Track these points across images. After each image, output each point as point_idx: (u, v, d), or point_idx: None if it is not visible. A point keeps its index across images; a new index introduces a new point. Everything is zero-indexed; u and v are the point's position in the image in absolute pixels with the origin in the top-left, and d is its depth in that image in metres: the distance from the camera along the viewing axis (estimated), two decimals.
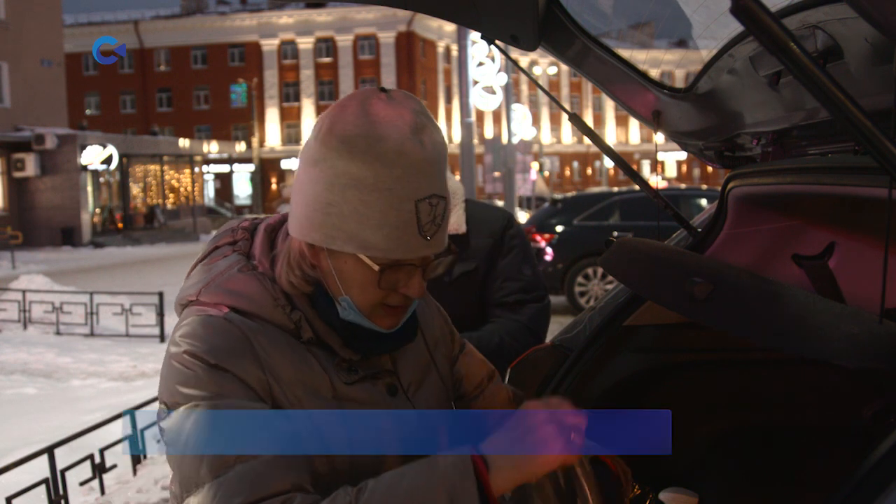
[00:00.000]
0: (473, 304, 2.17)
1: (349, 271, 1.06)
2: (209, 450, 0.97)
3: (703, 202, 11.01)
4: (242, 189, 50.92)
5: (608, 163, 46.17)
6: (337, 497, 0.96)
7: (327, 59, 50.48)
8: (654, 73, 1.78)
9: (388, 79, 49.45)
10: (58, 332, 9.60)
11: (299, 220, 1.07)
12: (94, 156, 26.65)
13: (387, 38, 49.71)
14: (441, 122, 52.75)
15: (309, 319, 1.10)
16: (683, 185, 26.25)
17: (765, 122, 1.60)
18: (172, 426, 1.01)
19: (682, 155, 53.62)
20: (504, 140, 21.91)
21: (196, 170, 35.24)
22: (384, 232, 1.02)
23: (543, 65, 54.60)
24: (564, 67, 36.12)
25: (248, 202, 50.01)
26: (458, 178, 2.24)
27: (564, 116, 2.00)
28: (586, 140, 1.93)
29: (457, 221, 2.17)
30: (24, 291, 10.12)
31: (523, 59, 47.16)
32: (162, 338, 8.93)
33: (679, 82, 1.79)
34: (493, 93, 22.24)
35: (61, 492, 3.84)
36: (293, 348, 1.08)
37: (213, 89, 51.07)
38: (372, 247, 1.02)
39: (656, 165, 4.58)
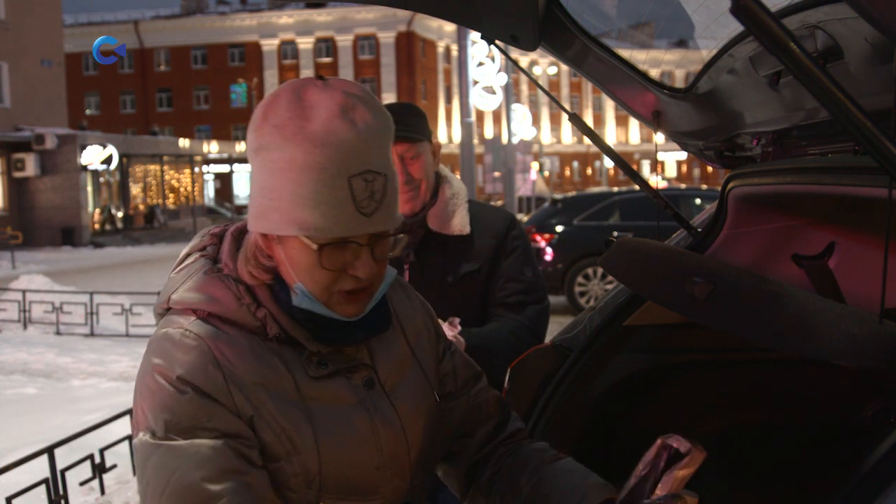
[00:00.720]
0: (476, 305, 2.17)
1: (296, 256, 1.07)
2: (166, 499, 0.99)
3: (703, 202, 11.01)
4: (242, 189, 50.91)
5: (608, 163, 46.17)
6: None
7: (327, 59, 50.49)
8: (654, 73, 1.77)
9: (388, 79, 49.46)
10: (58, 332, 9.60)
11: (251, 211, 1.10)
12: (94, 156, 26.65)
13: (387, 38, 49.72)
14: (441, 122, 52.79)
15: (274, 315, 1.10)
16: (683, 185, 26.25)
17: (765, 122, 1.60)
18: (138, 454, 1.04)
19: (682, 155, 53.62)
20: (504, 140, 21.91)
21: (196, 170, 35.24)
22: (320, 210, 1.03)
23: (543, 65, 54.60)
24: (564, 67, 36.11)
25: (248, 202, 49.94)
26: (458, 177, 2.23)
27: (564, 116, 1.99)
28: (586, 140, 1.93)
29: (461, 223, 2.17)
30: (24, 291, 10.12)
31: (523, 59, 47.16)
32: None
33: (679, 82, 1.79)
34: (493, 93, 22.25)
35: (61, 492, 3.84)
36: (257, 351, 1.08)
37: (213, 89, 51.08)
38: (310, 227, 1.03)
39: (656, 165, 4.59)
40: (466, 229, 2.16)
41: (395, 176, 1.08)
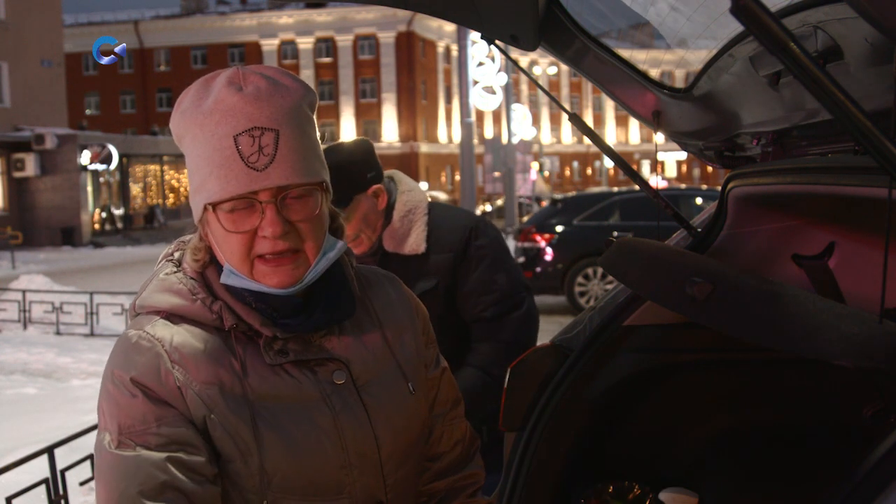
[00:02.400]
0: (437, 322, 2.11)
1: (213, 230, 1.09)
2: (113, 498, 1.02)
3: (703, 202, 11.01)
4: None
5: (608, 163, 46.17)
6: None
7: (327, 59, 50.49)
8: (654, 73, 1.77)
9: (388, 79, 49.44)
10: (58, 332, 9.59)
11: None
12: (87, 158, 26.60)
13: (387, 38, 49.71)
14: (441, 122, 52.78)
15: (229, 305, 1.11)
16: (683, 185, 26.25)
17: (765, 122, 1.60)
18: (96, 455, 1.07)
19: (682, 155, 53.64)
20: (504, 140, 21.92)
21: None
22: (215, 174, 1.05)
23: (543, 65, 54.60)
24: (564, 67, 36.13)
25: None
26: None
27: (564, 116, 1.99)
28: (586, 140, 1.93)
29: (415, 241, 2.06)
30: (24, 291, 10.11)
31: (523, 59, 47.15)
32: None
33: (679, 82, 1.79)
34: (493, 93, 22.25)
35: (61, 492, 3.84)
36: (214, 350, 1.09)
37: None
38: (211, 192, 1.06)
39: (656, 165, 4.59)
40: (421, 248, 2.06)
41: (295, 130, 1.07)
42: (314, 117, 1.14)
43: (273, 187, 1.04)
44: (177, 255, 1.20)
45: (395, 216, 2.08)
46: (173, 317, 1.11)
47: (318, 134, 1.15)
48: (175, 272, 1.15)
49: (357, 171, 2.04)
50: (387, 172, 2.17)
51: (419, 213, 2.10)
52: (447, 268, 2.07)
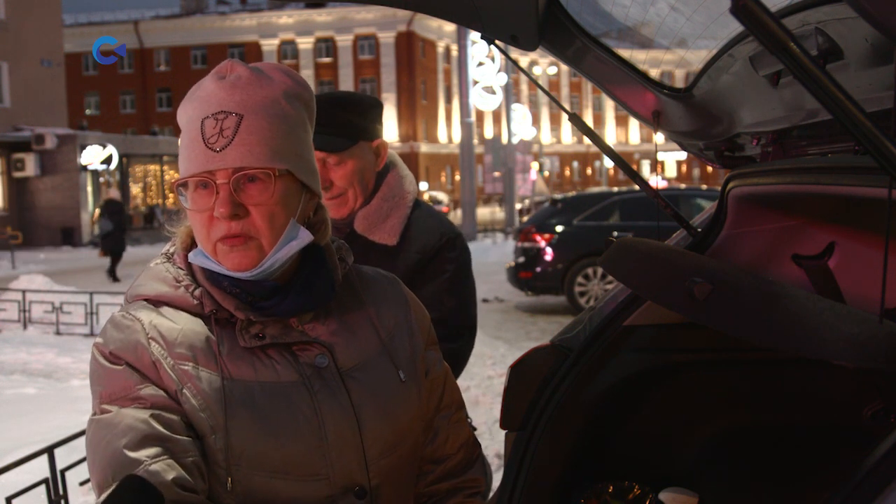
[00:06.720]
0: None
1: (188, 212, 1.14)
2: (97, 469, 1.04)
3: (703, 202, 11.01)
4: None
5: (608, 163, 46.18)
6: None
7: (327, 59, 50.50)
8: (654, 73, 1.77)
9: (388, 79, 49.45)
10: (58, 332, 9.59)
11: None
12: (94, 156, 26.64)
13: (387, 38, 49.72)
14: (441, 122, 52.79)
15: (209, 291, 1.14)
16: (683, 185, 26.25)
17: (765, 122, 1.60)
18: (87, 429, 1.10)
19: (682, 155, 53.66)
20: (504, 140, 21.93)
21: None
22: (183, 154, 1.10)
23: (543, 65, 54.61)
24: (564, 67, 36.15)
25: None
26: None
27: (564, 116, 1.99)
28: (586, 140, 1.93)
29: (390, 231, 1.93)
30: (24, 291, 10.11)
31: (523, 59, 47.17)
32: None
33: (679, 82, 1.79)
34: (493, 93, 22.26)
35: (61, 492, 3.84)
36: (192, 330, 1.12)
37: None
38: (181, 172, 1.11)
39: (656, 165, 4.59)
40: (394, 239, 1.93)
41: (264, 118, 1.09)
42: (303, 115, 1.15)
43: (228, 168, 1.07)
44: (171, 249, 1.23)
45: (376, 197, 1.95)
46: (157, 302, 1.15)
47: (306, 133, 1.15)
48: (163, 262, 1.20)
49: (371, 115, 1.94)
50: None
51: (404, 202, 1.98)
52: (410, 269, 1.94)
